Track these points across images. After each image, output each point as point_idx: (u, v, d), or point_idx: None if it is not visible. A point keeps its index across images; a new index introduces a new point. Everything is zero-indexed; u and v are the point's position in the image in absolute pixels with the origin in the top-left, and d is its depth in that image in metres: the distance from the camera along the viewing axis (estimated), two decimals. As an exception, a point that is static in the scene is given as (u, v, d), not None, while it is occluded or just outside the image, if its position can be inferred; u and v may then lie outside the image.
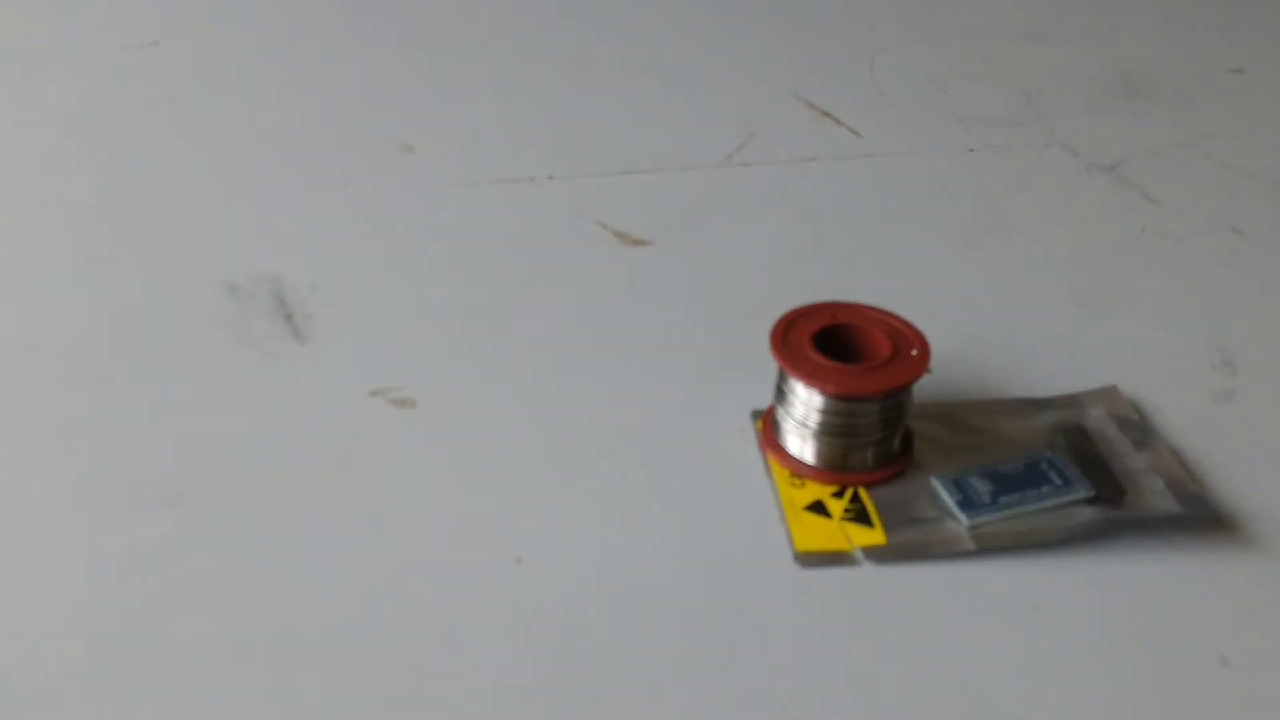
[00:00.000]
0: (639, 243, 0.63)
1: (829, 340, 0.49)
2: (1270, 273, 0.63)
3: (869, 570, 0.45)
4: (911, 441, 0.50)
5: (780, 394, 0.49)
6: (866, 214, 0.67)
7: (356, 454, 0.49)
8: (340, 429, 0.50)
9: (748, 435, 0.51)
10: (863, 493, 0.48)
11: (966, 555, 0.45)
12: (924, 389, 0.52)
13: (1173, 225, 0.66)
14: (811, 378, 0.47)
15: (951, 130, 0.74)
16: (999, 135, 0.74)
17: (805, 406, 0.48)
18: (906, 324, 0.49)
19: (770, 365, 0.49)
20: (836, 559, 0.45)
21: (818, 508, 0.47)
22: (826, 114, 0.75)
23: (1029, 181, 0.70)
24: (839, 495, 0.47)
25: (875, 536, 0.46)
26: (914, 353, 0.48)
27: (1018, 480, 0.47)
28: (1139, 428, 0.51)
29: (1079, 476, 0.47)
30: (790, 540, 0.46)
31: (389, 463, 0.48)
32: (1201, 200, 0.68)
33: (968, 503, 0.46)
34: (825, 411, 0.47)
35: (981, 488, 0.47)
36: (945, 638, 0.43)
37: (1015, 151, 0.72)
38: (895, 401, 0.48)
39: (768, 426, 0.50)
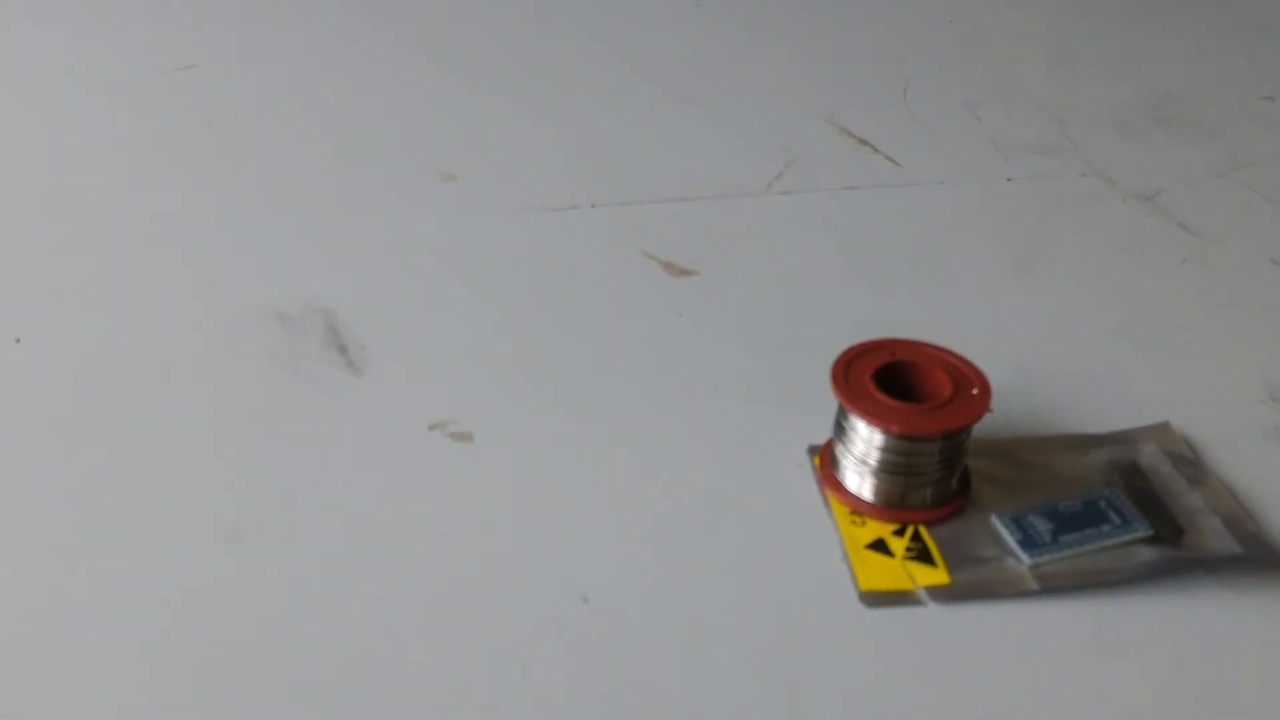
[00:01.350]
0: (685, 273, 0.63)
1: (889, 378, 0.49)
2: (1312, 306, 0.63)
3: (934, 610, 0.45)
4: (969, 480, 0.50)
5: (840, 430, 0.49)
6: (910, 243, 0.67)
7: (417, 489, 0.49)
8: (400, 464, 0.50)
9: (805, 471, 0.51)
10: (923, 531, 0.48)
11: (1029, 595, 0.46)
12: (977, 424, 0.53)
13: (1212, 256, 0.67)
14: (874, 417, 0.47)
15: (989, 159, 0.74)
16: (1036, 164, 0.74)
17: (866, 444, 0.48)
18: (966, 362, 0.49)
19: (825, 398, 0.49)
20: (901, 598, 0.45)
21: (879, 546, 0.47)
22: (864, 142, 0.75)
23: (1068, 211, 0.70)
24: (900, 534, 0.48)
25: (939, 576, 0.46)
26: (975, 392, 0.48)
27: (1077, 519, 0.48)
28: (1192, 465, 0.51)
29: (1137, 515, 0.48)
30: (854, 579, 0.46)
31: (450, 499, 0.49)
32: (1239, 231, 0.69)
33: (1029, 541, 0.47)
34: (886, 450, 0.48)
35: (1042, 526, 0.47)
36: (1013, 678, 0.43)
37: (1052, 181, 0.73)
38: (956, 441, 0.48)
39: (825, 463, 0.50)
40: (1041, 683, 0.43)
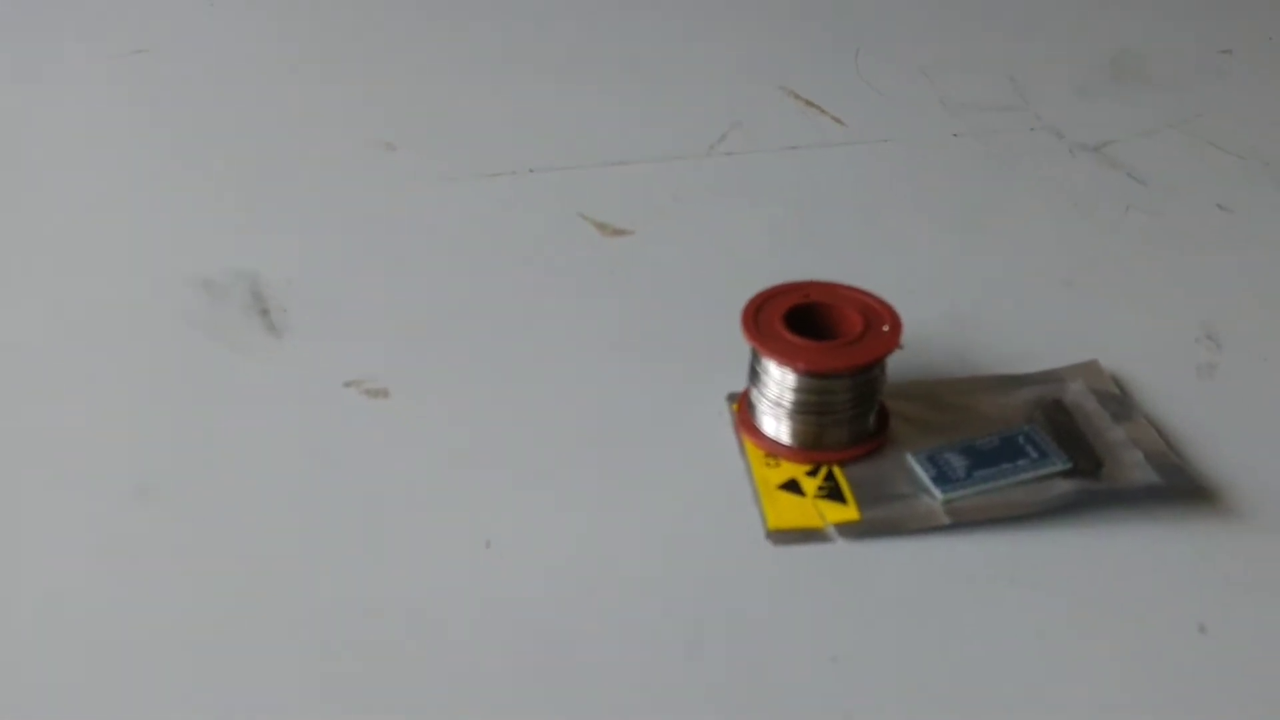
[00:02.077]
0: (619, 233, 0.62)
1: (801, 319, 0.48)
2: (1255, 248, 0.62)
3: (842, 547, 0.44)
4: (887, 419, 0.49)
5: (754, 374, 0.49)
6: (851, 200, 0.66)
7: (328, 445, 0.49)
8: (312, 421, 0.50)
9: (724, 418, 0.50)
10: (837, 471, 0.47)
11: (941, 530, 0.45)
12: (904, 369, 0.52)
13: (1158, 204, 0.66)
14: (783, 356, 0.46)
15: (936, 117, 0.74)
16: (984, 120, 0.73)
17: (778, 386, 0.47)
18: (879, 301, 0.49)
19: (749, 350, 0.48)
20: (809, 536, 0.45)
21: (791, 486, 0.47)
22: (810, 104, 0.75)
23: (1013, 164, 0.69)
24: (813, 474, 0.47)
25: (848, 513, 0.45)
26: (885, 328, 0.47)
27: (993, 454, 0.47)
28: (1119, 401, 0.50)
29: (1055, 449, 0.47)
30: (763, 519, 0.45)
31: (360, 453, 0.48)
32: (1188, 179, 0.68)
33: (942, 477, 0.46)
34: (798, 390, 0.47)
35: (957, 463, 0.47)
36: (921, 612, 0.42)
37: (1000, 135, 0.72)
38: (868, 378, 0.47)
39: (743, 408, 0.50)
40: (952, 617, 0.42)
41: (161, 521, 0.45)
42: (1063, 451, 0.47)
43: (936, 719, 0.39)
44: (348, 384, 0.51)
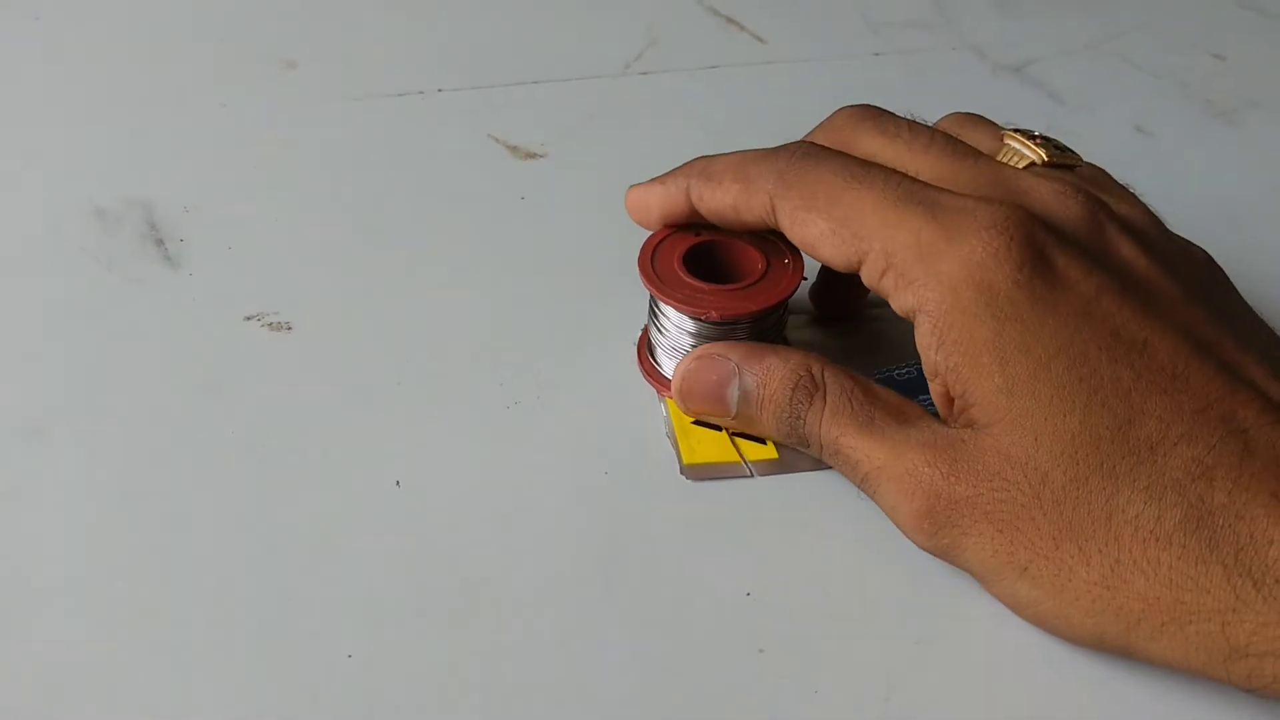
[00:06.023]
0: (532, 156, 0.60)
1: (700, 257, 0.46)
2: (1173, 171, 0.62)
3: (760, 483, 0.44)
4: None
5: (654, 316, 0.47)
6: (770, 122, 0.64)
7: (227, 380, 0.47)
8: (211, 355, 0.48)
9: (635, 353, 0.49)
10: (753, 405, 0.46)
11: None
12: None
13: (1075, 125, 0.65)
14: (688, 305, 0.44)
15: (858, 35, 0.72)
16: (906, 39, 0.72)
17: (677, 329, 0.46)
18: (778, 233, 0.47)
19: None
20: (726, 470, 0.44)
21: (707, 421, 0.46)
22: (731, 20, 0.73)
23: (932, 84, 0.68)
24: (729, 408, 0.46)
25: (767, 451, 0.45)
26: (787, 262, 0.46)
27: (912, 385, 0.46)
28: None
29: (972, 381, 0.46)
30: (678, 455, 0.45)
31: (261, 388, 0.47)
32: (1107, 99, 0.68)
33: (859, 411, 0.45)
34: (698, 336, 0.45)
35: (873, 396, 0.46)
36: (840, 547, 0.42)
37: (921, 55, 0.71)
38: (773, 318, 0.46)
39: (643, 350, 0.48)
40: (871, 552, 0.42)
41: (57, 463, 0.43)
42: (979, 382, 0.46)
43: (852, 653, 0.39)
44: (249, 318, 0.49)
